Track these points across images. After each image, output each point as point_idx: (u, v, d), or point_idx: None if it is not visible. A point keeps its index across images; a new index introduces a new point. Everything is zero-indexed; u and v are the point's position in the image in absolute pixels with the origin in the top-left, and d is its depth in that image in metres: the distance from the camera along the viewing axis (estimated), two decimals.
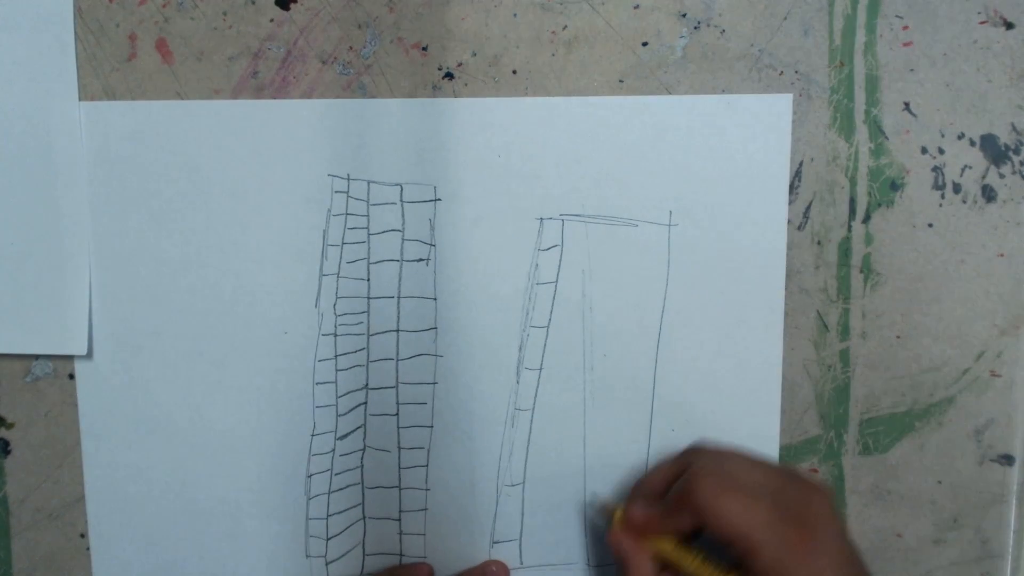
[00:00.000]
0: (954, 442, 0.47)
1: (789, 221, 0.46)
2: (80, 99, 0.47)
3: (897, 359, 0.46)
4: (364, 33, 0.46)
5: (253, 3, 0.46)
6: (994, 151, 0.45)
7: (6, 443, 0.49)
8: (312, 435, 0.48)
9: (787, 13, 0.45)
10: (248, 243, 0.47)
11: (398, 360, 0.47)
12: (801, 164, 0.46)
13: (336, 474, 0.48)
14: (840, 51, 0.45)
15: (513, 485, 0.48)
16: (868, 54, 0.45)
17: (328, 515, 0.48)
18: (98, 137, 0.47)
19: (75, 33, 0.46)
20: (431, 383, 0.47)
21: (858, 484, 0.47)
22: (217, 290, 0.47)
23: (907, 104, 0.45)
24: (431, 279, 0.47)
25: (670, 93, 0.45)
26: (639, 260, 0.46)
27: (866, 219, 0.46)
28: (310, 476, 0.48)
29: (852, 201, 0.46)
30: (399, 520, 0.48)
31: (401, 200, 0.46)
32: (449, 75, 0.46)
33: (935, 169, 0.45)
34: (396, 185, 0.46)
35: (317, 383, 0.48)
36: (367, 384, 0.48)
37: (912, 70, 0.45)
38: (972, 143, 0.45)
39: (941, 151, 0.45)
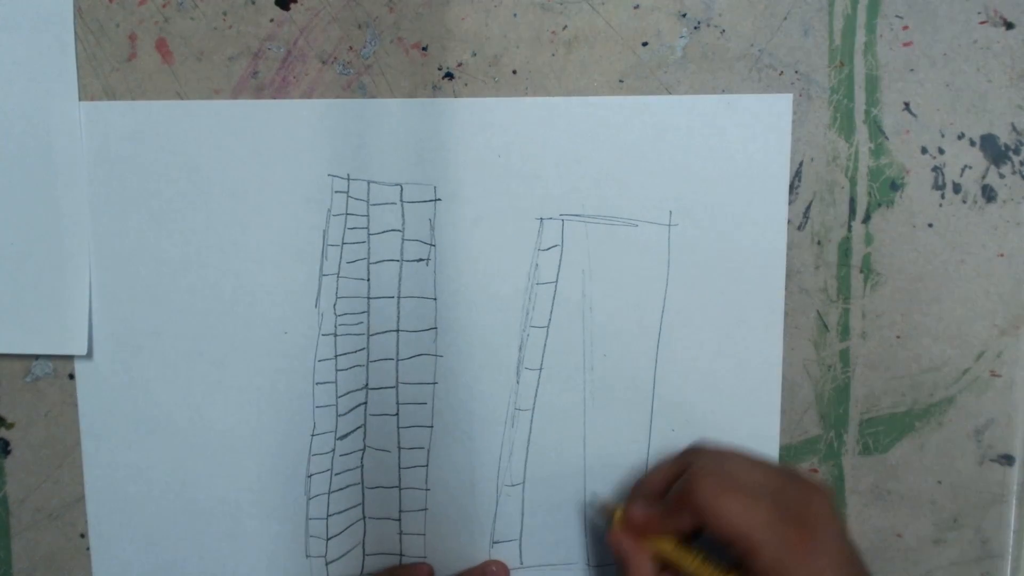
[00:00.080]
0: (954, 442, 0.47)
1: (789, 221, 0.46)
2: (80, 99, 0.47)
3: (897, 359, 0.46)
4: (364, 33, 0.46)
5: (253, 3, 0.46)
6: (994, 151, 0.45)
7: (6, 443, 0.49)
8: (312, 435, 0.48)
9: (787, 13, 0.45)
10: (248, 243, 0.47)
11: (398, 360, 0.47)
12: (801, 164, 0.46)
13: (336, 474, 0.48)
14: (840, 51, 0.45)
15: (513, 485, 0.48)
16: (868, 54, 0.45)
17: (328, 515, 0.48)
18: (98, 137, 0.47)
19: (75, 33, 0.46)
20: (431, 383, 0.47)
21: (858, 484, 0.47)
22: (217, 290, 0.47)
23: (907, 104, 0.45)
24: (431, 279, 0.47)
25: (670, 93, 0.45)
26: (639, 260, 0.46)
27: (866, 219, 0.46)
28: (310, 476, 0.48)
29: (852, 201, 0.46)
30: (399, 520, 0.48)
31: (401, 200, 0.46)
32: (449, 75, 0.46)
33: (935, 169, 0.45)
34: (396, 185, 0.46)
35: (317, 383, 0.48)
36: (367, 384, 0.48)
37: (912, 70, 0.45)
38: (972, 143, 0.45)
39: (941, 151, 0.45)
